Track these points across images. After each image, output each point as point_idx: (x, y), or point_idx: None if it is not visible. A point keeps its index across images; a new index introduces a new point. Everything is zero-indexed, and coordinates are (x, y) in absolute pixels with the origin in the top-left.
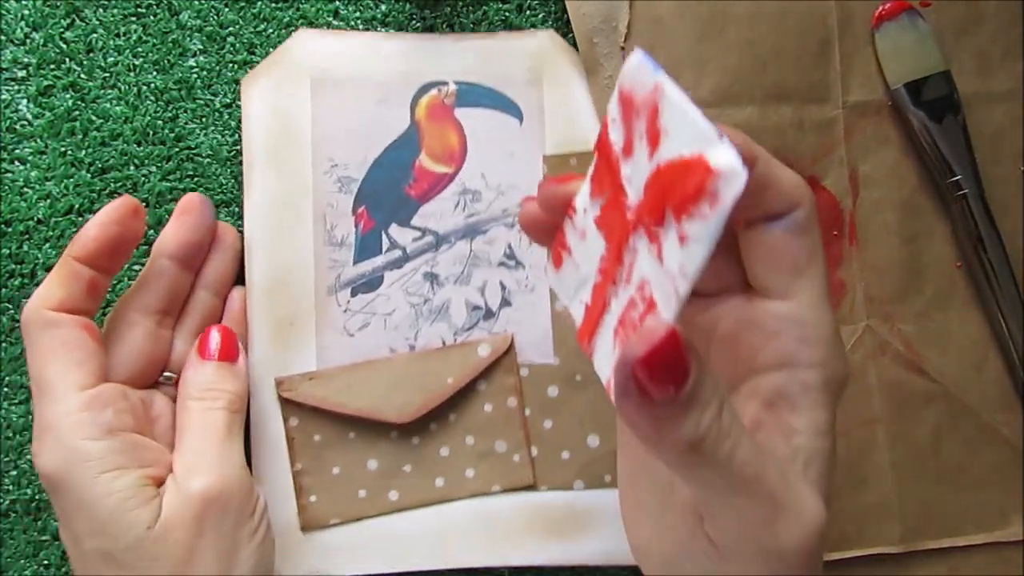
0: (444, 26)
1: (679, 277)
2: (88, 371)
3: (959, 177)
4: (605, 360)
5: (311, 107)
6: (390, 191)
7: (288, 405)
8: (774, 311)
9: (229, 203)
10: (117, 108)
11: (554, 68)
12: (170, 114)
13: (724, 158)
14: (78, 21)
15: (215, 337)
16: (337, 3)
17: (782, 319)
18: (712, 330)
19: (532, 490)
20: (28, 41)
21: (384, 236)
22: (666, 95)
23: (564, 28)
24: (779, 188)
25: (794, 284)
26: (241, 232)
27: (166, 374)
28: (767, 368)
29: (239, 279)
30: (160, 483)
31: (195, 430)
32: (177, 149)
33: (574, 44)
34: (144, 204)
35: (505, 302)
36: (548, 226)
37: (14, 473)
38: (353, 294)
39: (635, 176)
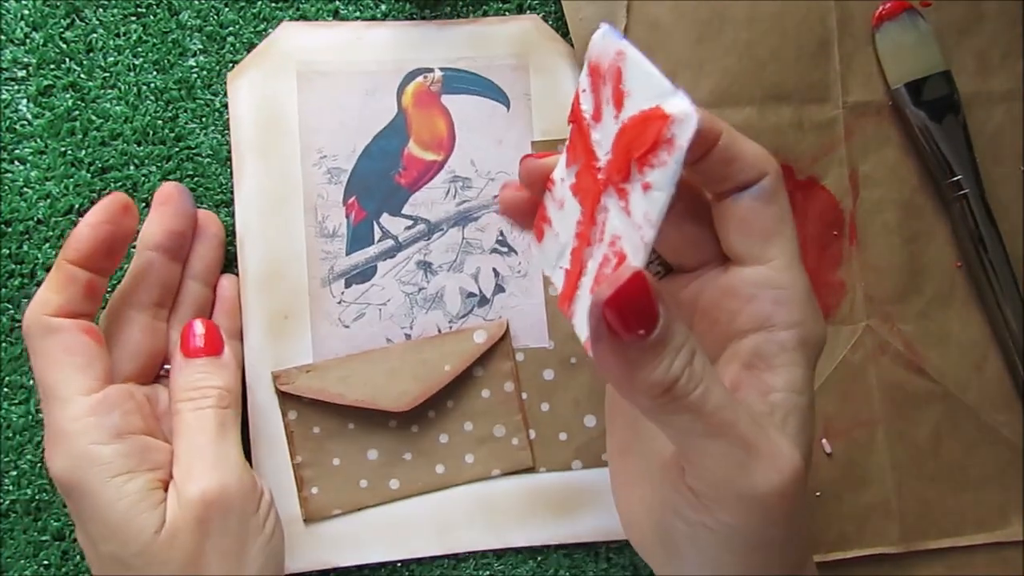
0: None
1: (644, 225)
2: (92, 375)
3: (959, 177)
4: (583, 320)
5: (298, 99)
6: (380, 180)
7: (286, 398)
8: (749, 277)
9: (229, 203)
10: (117, 108)
11: (540, 54)
12: (170, 114)
13: (677, 105)
14: (78, 21)
15: (197, 330)
16: (337, 3)
17: (757, 283)
18: (695, 302)
19: (531, 472)
20: (28, 41)
21: (376, 226)
22: (628, 58)
23: (554, 21)
24: (744, 159)
25: (766, 249)
26: (231, 225)
27: (166, 367)
28: (745, 331)
29: (229, 269)
30: (168, 486)
31: (188, 432)
32: (177, 149)
33: (558, 30)
34: (144, 204)
35: (499, 288)
36: (528, 207)
37: (14, 473)
38: (347, 285)
39: (604, 139)
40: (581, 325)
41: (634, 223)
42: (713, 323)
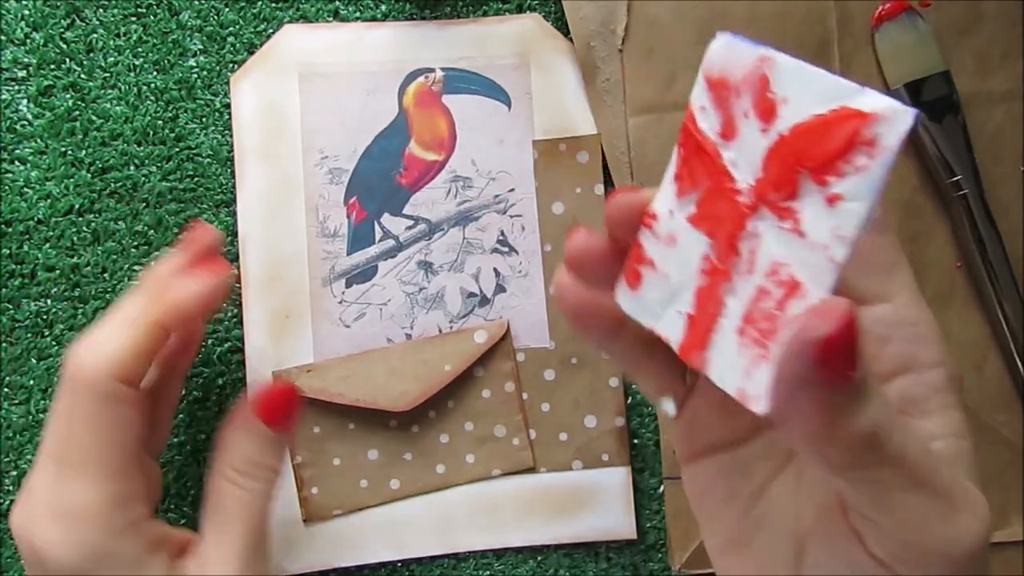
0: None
1: (834, 243)
2: (127, 457)
3: (959, 177)
4: (731, 368)
5: (299, 100)
6: (381, 181)
7: None
8: (878, 316)
9: (229, 203)
10: (117, 108)
11: (541, 52)
12: (170, 114)
13: (879, 102)
14: (78, 21)
15: (274, 398)
16: (337, 3)
17: (889, 323)
18: None
19: (532, 472)
20: (28, 41)
21: (377, 226)
22: (777, 63)
23: (554, 21)
24: None
25: (889, 284)
26: (232, 225)
27: None
28: (888, 375)
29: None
30: (180, 552)
31: (230, 515)
32: (177, 149)
33: (559, 28)
34: (144, 204)
35: (499, 288)
36: (607, 257)
37: (14, 473)
38: (348, 285)
39: (744, 157)
40: (728, 374)
41: (813, 243)
42: None
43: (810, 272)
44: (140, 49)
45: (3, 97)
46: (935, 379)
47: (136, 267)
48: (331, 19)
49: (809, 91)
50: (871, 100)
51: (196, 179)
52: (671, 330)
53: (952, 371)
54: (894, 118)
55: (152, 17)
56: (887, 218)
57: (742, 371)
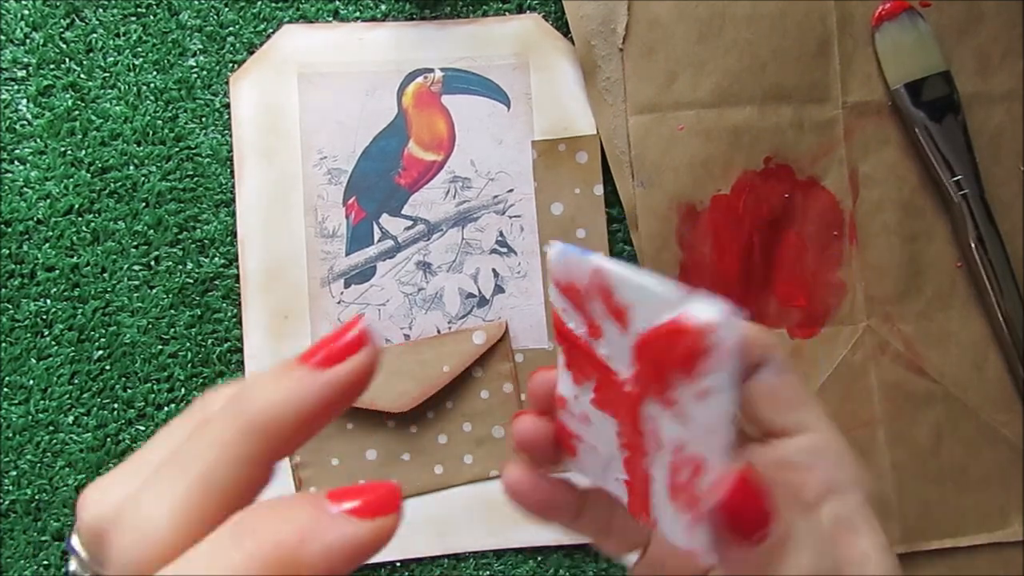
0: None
1: (714, 431)
2: (224, 500)
3: (959, 177)
4: (675, 527)
5: (298, 100)
6: (380, 181)
7: None
8: (801, 446)
9: (229, 203)
10: (117, 108)
11: (540, 52)
12: (170, 114)
13: (706, 313)
14: (78, 21)
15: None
16: (337, 3)
17: (810, 451)
18: None
19: None
20: (28, 41)
21: (375, 226)
22: (611, 274)
23: (554, 20)
24: (753, 342)
25: (804, 416)
26: (231, 225)
27: None
28: (818, 499)
29: (229, 268)
30: None
31: None
32: (177, 149)
33: (559, 28)
34: (144, 204)
35: (498, 289)
36: (550, 436)
37: (14, 473)
38: (346, 285)
39: (615, 353)
40: (674, 533)
41: (700, 425)
42: (778, 498)
43: (707, 447)
44: (140, 49)
45: (3, 97)
46: (857, 499)
47: (136, 267)
48: (331, 19)
49: (646, 301)
50: (700, 311)
51: (196, 179)
52: (618, 492)
53: (868, 488)
54: (726, 324)
55: (152, 17)
56: (788, 359)
57: (685, 529)
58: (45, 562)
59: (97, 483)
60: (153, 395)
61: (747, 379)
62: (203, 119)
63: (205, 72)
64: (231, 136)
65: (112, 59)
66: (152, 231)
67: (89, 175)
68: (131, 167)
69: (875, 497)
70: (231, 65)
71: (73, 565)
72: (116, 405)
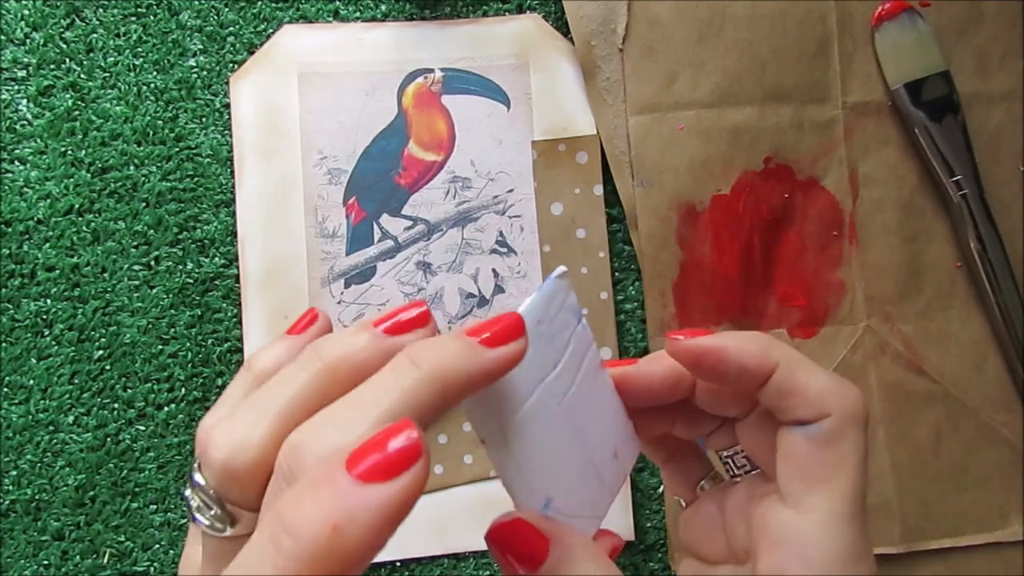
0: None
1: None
2: None
3: (959, 177)
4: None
5: (299, 100)
6: (380, 181)
7: None
8: (782, 518)
9: (229, 203)
10: (117, 108)
11: (540, 53)
12: (170, 114)
13: None
14: (78, 21)
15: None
16: (337, 3)
17: (788, 530)
18: (726, 494)
19: None
20: (28, 41)
21: (375, 226)
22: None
23: (554, 20)
24: (804, 395)
25: (807, 497)
26: (232, 225)
27: None
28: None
29: (229, 268)
30: None
31: None
32: (177, 149)
33: (559, 28)
34: (144, 204)
35: (498, 288)
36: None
37: (14, 473)
38: (347, 285)
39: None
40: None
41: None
42: (737, 536)
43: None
44: (140, 49)
45: (3, 97)
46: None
47: (136, 267)
48: (331, 19)
49: None
50: None
51: (196, 179)
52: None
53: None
54: None
55: (152, 17)
56: (844, 433)
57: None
58: (45, 562)
59: (225, 425)
60: (153, 395)
61: (789, 427)
62: (203, 119)
63: (205, 72)
64: (231, 136)
65: (112, 59)
66: (152, 231)
67: (89, 175)
68: (131, 167)
69: (872, 488)
70: (231, 65)
71: (195, 502)
72: (116, 405)
